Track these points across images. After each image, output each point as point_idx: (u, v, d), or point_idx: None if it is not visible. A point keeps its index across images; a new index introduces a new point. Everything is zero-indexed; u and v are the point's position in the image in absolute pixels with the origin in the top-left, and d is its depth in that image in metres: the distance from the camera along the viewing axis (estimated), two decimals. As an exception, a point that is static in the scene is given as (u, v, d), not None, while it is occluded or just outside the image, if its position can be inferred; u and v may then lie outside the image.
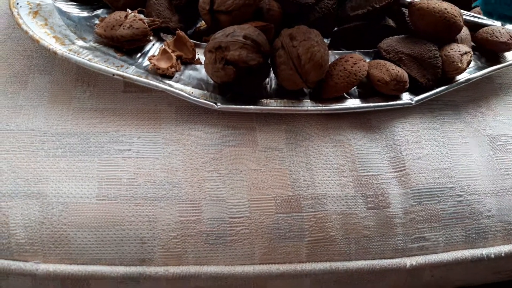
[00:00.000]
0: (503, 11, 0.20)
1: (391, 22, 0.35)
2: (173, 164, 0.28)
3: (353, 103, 0.32)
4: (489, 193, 0.30)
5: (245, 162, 0.29)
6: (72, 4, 0.36)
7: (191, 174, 0.28)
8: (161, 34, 0.34)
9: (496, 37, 0.33)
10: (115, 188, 0.28)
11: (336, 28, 0.37)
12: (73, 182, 0.28)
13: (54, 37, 0.31)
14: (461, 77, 0.32)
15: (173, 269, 0.27)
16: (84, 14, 0.35)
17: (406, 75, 0.31)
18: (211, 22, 0.33)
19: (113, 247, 0.27)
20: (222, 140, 0.30)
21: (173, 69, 0.32)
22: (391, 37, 0.34)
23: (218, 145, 0.29)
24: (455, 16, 0.32)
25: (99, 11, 0.36)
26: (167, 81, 0.31)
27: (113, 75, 0.30)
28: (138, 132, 0.30)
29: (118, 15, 0.33)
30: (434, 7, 0.32)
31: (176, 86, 0.31)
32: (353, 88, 0.32)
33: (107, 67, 0.30)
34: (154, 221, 0.27)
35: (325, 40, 0.37)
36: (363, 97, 0.32)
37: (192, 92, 0.30)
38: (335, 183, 0.29)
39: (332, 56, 0.34)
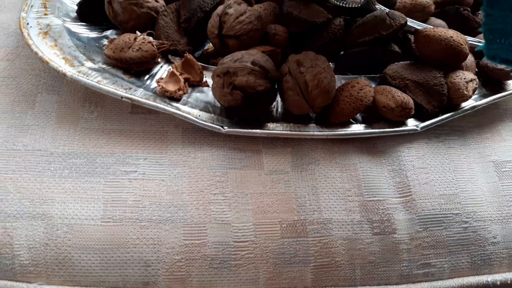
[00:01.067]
0: (505, 56, 0.21)
1: (396, 48, 0.35)
2: (178, 187, 0.28)
3: (358, 127, 0.32)
4: (494, 219, 0.30)
5: (251, 185, 0.29)
6: (81, 25, 0.36)
7: (196, 196, 0.28)
8: (169, 56, 0.35)
9: (495, 65, 0.33)
10: (120, 210, 0.28)
11: (342, 52, 0.37)
12: (78, 203, 0.28)
13: (63, 58, 0.32)
14: (467, 104, 0.33)
15: (177, 293, 0.27)
16: (93, 35, 0.36)
17: (411, 101, 0.31)
18: (220, 45, 0.34)
19: (117, 269, 0.27)
20: (228, 163, 0.30)
21: (180, 92, 0.32)
22: (396, 63, 0.34)
23: (224, 167, 0.29)
24: (461, 44, 0.32)
25: (108, 32, 0.36)
26: (175, 104, 0.31)
27: (122, 97, 0.30)
28: (145, 153, 0.30)
29: (128, 37, 0.33)
30: (440, 35, 0.32)
31: (183, 109, 0.31)
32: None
33: (116, 89, 0.31)
34: (158, 244, 0.27)
35: (330, 64, 0.37)
36: (368, 122, 0.32)
37: (199, 115, 0.31)
38: (341, 207, 0.29)
39: (338, 80, 0.35)
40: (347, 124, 0.32)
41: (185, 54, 0.33)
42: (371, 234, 0.29)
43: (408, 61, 0.34)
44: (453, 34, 0.32)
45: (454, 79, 0.32)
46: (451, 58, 0.32)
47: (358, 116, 0.32)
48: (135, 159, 0.30)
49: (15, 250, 0.26)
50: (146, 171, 0.29)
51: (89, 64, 0.33)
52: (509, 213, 0.30)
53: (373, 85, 0.34)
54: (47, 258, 0.26)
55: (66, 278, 0.26)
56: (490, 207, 0.30)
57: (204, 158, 0.30)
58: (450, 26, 0.37)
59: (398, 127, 0.31)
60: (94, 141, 0.30)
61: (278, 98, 0.32)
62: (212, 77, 0.31)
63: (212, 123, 0.30)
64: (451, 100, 0.32)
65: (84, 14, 0.37)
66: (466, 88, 0.31)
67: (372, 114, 0.32)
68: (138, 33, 0.34)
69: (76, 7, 0.37)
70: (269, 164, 0.30)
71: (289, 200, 0.29)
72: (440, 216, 0.29)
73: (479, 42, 0.35)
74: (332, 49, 0.36)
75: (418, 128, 0.31)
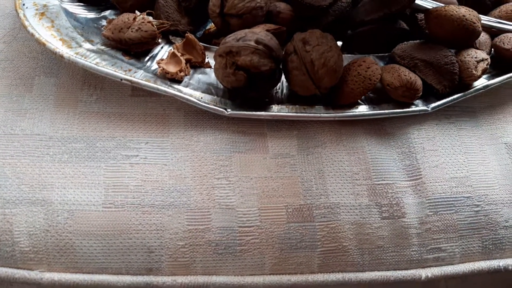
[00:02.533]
0: None
1: (405, 26, 0.34)
2: (181, 171, 0.28)
3: (366, 108, 0.31)
4: (507, 203, 0.29)
5: (256, 169, 0.28)
6: (79, 5, 0.35)
7: (200, 181, 0.27)
8: (170, 37, 0.34)
9: (502, 44, 0.32)
10: (122, 195, 0.27)
11: (349, 31, 0.36)
12: (78, 189, 0.27)
13: (60, 39, 0.31)
14: (479, 83, 0.31)
15: (181, 279, 0.26)
16: (91, 15, 0.35)
17: (419, 82, 0.30)
18: (221, 25, 0.32)
19: (119, 256, 0.26)
20: (232, 146, 0.29)
21: (182, 73, 0.31)
22: (406, 42, 0.33)
23: (227, 151, 0.28)
24: (474, 23, 0.31)
25: (106, 12, 0.35)
26: (176, 86, 0.30)
27: (121, 79, 0.29)
28: (146, 137, 0.29)
29: (127, 17, 0.32)
30: (452, 15, 0.31)
31: (185, 91, 0.30)
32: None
33: (115, 71, 0.30)
34: (161, 229, 0.26)
35: (338, 43, 0.36)
36: (376, 103, 0.31)
37: (202, 98, 0.30)
38: (348, 191, 0.28)
39: (345, 60, 0.33)
40: (354, 105, 0.31)
41: (186, 34, 0.32)
42: (379, 219, 0.28)
43: (418, 40, 0.33)
44: (465, 13, 0.31)
45: (465, 57, 0.31)
46: (464, 37, 0.31)
47: (366, 96, 0.31)
48: (136, 143, 0.29)
49: (15, 237, 0.26)
50: (148, 155, 0.28)
51: (87, 45, 0.32)
52: (522, 196, 0.29)
53: (382, 65, 0.33)
54: (47, 245, 0.26)
55: (67, 265, 0.26)
56: (502, 190, 0.29)
57: (207, 142, 0.29)
58: (462, 2, 0.36)
59: (408, 107, 0.30)
60: (94, 125, 0.30)
61: (283, 79, 0.31)
62: (214, 57, 0.30)
63: (215, 106, 0.29)
64: (461, 79, 0.31)
65: (82, -6, 0.36)
66: (476, 67, 0.30)
67: (382, 95, 0.31)
68: (137, 12, 0.32)
69: (73, -13, 0.35)
70: (274, 147, 0.29)
71: (295, 184, 0.28)
72: (451, 199, 0.28)
73: (493, 21, 0.34)
74: (339, 28, 0.35)
75: (429, 109, 0.30)
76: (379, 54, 0.34)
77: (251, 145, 0.29)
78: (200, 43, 0.33)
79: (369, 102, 0.31)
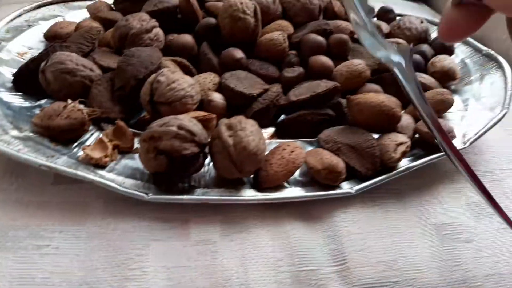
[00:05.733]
0: None
1: (331, 112, 0.35)
2: (93, 262, 0.26)
3: (293, 191, 0.30)
4: (437, 286, 0.28)
5: (174, 258, 0.27)
6: (16, 94, 0.36)
7: (111, 272, 0.26)
8: (102, 124, 0.34)
9: (424, 127, 0.33)
10: (27, 289, 0.25)
11: (281, 118, 0.37)
12: (-20, 283, 0.25)
13: (-14, 126, 0.31)
14: (402, 166, 0.32)
15: None
16: (27, 104, 0.35)
17: (341, 165, 0.30)
18: (152, 112, 0.33)
19: None
20: (151, 234, 0.28)
21: (107, 159, 0.31)
22: (331, 128, 0.34)
23: (146, 239, 0.27)
24: (393, 108, 0.32)
25: (43, 101, 0.36)
26: (100, 171, 0.30)
27: (40, 166, 0.29)
28: (62, 226, 0.28)
29: (57, 105, 0.33)
30: (372, 101, 0.32)
31: (107, 177, 0.29)
32: (293, 176, 0.31)
33: (35, 157, 0.29)
34: (67, 328, 0.24)
35: (270, 129, 0.37)
36: (302, 186, 0.31)
37: (124, 183, 0.29)
38: (271, 280, 0.26)
39: (275, 144, 0.34)
40: (281, 188, 0.31)
41: (116, 121, 0.33)
42: (305, 309, 0.26)
43: (342, 126, 0.34)
44: (384, 99, 0.33)
45: (386, 141, 0.31)
46: (384, 122, 0.32)
47: (294, 179, 0.31)
48: (50, 232, 0.27)
49: None
50: (61, 244, 0.27)
51: (14, 132, 0.31)
52: (453, 279, 0.28)
53: (311, 149, 0.33)
54: None
55: None
56: (432, 272, 0.28)
57: (125, 230, 0.28)
58: (387, 90, 0.38)
59: (333, 190, 0.30)
60: (10, 213, 0.28)
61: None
62: (139, 143, 0.30)
63: (136, 191, 0.28)
64: (383, 162, 0.31)
65: (20, 85, 0.37)
66: (395, 150, 0.31)
67: (308, 178, 0.31)
68: (69, 101, 0.33)
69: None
70: (196, 234, 0.28)
71: (214, 274, 0.26)
72: (378, 285, 0.27)
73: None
74: (269, 114, 0.36)
75: (353, 191, 0.30)
76: (308, 140, 0.35)
77: (171, 232, 0.28)
78: (132, 129, 0.33)
79: (295, 184, 0.31)
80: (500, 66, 0.42)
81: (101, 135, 0.32)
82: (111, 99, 0.35)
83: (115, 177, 0.30)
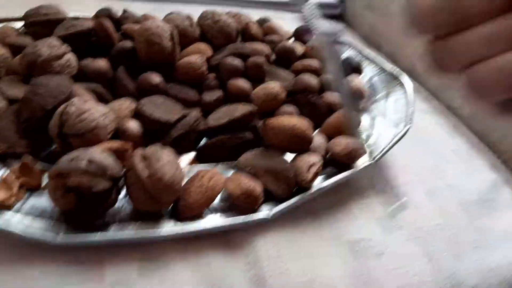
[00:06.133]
0: None
1: (249, 135, 0.36)
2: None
3: (213, 218, 0.31)
4: (353, 303, 0.29)
5: (89, 302, 0.26)
6: None
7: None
8: (8, 160, 0.32)
9: (333, 147, 0.35)
10: None
11: (202, 142, 0.37)
12: None
13: None
14: (316, 185, 0.33)
15: None
16: None
17: (258, 189, 0.31)
18: (62, 145, 0.32)
19: None
20: (62, 279, 0.26)
21: (12, 199, 0.29)
22: (250, 150, 0.35)
23: (55, 285, 0.26)
24: (304, 130, 0.34)
25: None
26: (4, 215, 0.28)
27: None
28: (-40, 277, 0.25)
29: (-45, 142, 0.30)
30: (285, 125, 0.33)
31: (13, 220, 0.28)
32: (214, 202, 0.31)
33: None
34: None
35: (191, 154, 0.37)
36: (223, 212, 0.31)
37: (31, 225, 0.27)
38: (191, 314, 0.26)
39: (197, 170, 0.34)
40: (201, 216, 0.31)
41: (22, 157, 0.31)
42: (227, 338, 0.26)
43: (260, 148, 0.35)
44: (296, 122, 0.34)
45: (299, 163, 0.33)
46: (297, 144, 0.34)
47: (214, 205, 0.31)
48: None
49: None
50: (-41, 298, 0.25)
51: None
52: (366, 293, 0.30)
53: (232, 173, 0.34)
54: None
55: None
56: (348, 289, 0.29)
57: (33, 277, 0.26)
58: (303, 111, 0.40)
59: (252, 215, 0.31)
60: None
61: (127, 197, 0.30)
62: (48, 180, 0.28)
63: (45, 232, 0.27)
64: (298, 183, 0.32)
65: None
66: (308, 171, 0.32)
67: (228, 204, 0.32)
68: (-32, 137, 0.31)
69: None
70: (112, 275, 0.27)
71: (130, 315, 0.25)
72: (297, 307, 0.28)
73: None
74: (188, 141, 0.36)
75: (269, 216, 0.31)
76: (230, 163, 0.35)
77: (85, 276, 0.27)
78: (43, 162, 0.31)
79: (216, 211, 0.31)
80: (402, 84, 0.45)
81: (6, 174, 0.30)
82: (17, 132, 0.33)
83: (22, 219, 0.28)
